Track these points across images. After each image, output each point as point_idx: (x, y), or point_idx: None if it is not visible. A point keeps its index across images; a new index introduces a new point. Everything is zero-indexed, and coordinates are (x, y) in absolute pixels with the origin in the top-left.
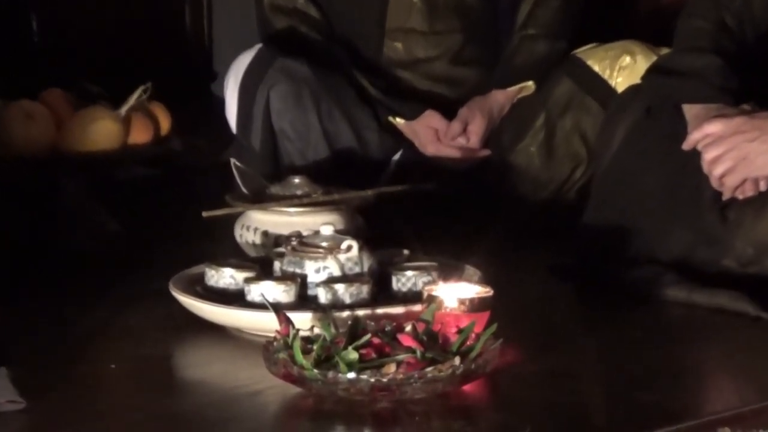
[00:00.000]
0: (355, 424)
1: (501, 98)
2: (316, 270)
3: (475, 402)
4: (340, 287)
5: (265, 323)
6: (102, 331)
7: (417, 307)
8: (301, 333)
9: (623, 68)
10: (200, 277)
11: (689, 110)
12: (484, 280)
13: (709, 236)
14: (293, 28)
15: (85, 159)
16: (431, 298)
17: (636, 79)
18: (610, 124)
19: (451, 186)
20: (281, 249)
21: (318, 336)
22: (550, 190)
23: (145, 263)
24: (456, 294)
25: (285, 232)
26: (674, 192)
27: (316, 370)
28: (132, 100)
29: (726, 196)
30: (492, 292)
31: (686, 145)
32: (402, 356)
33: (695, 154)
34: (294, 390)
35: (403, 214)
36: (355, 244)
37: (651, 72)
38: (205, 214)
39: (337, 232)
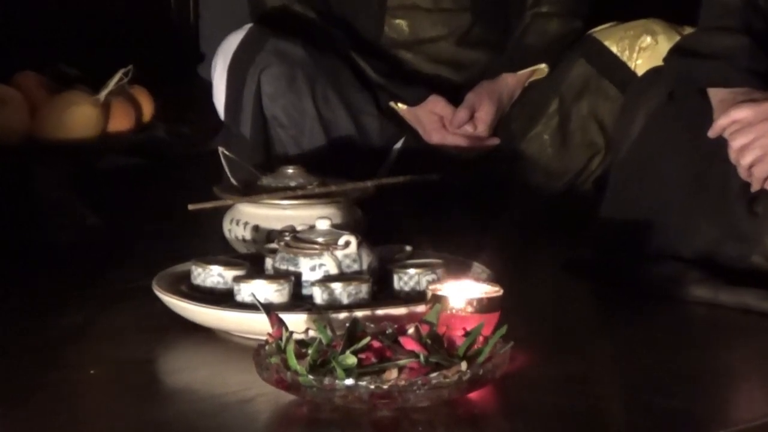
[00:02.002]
0: None
1: (511, 82)
2: (311, 268)
3: (483, 410)
4: (337, 286)
5: (256, 325)
6: (80, 333)
7: (420, 308)
8: (295, 336)
9: (644, 49)
10: (186, 276)
11: (715, 95)
12: (493, 279)
13: (736, 231)
14: (286, 6)
15: (61, 147)
16: (436, 298)
17: (657, 61)
18: (630, 109)
19: (457, 177)
20: (273, 245)
21: (313, 339)
22: (564, 181)
23: (127, 260)
24: (463, 293)
25: (277, 226)
26: (699, 183)
27: (311, 376)
28: (112, 83)
29: (755, 188)
30: (502, 291)
31: (712, 133)
32: (404, 361)
33: (721, 142)
34: (287, 397)
35: (405, 207)
36: (353, 240)
37: (674, 53)
38: (191, 207)
39: (334, 226)
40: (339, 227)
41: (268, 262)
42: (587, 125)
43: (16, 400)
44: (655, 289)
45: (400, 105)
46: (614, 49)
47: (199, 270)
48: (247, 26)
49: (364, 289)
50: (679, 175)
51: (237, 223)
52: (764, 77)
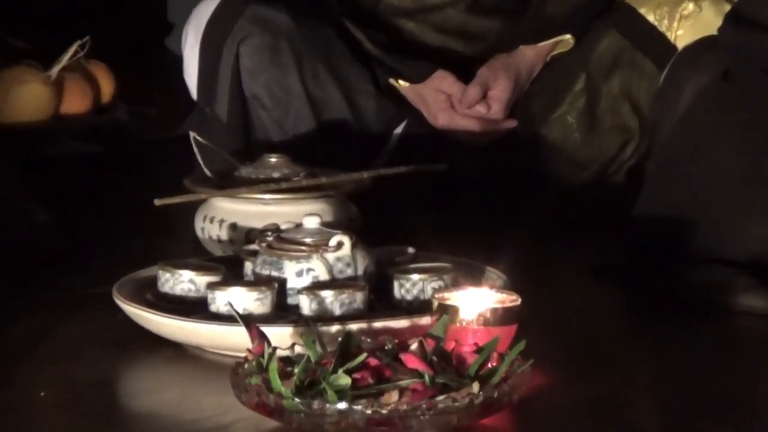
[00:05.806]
0: None
1: (530, 56)
2: (297, 273)
3: None
4: (327, 294)
5: (234, 340)
6: (29, 348)
7: (425, 320)
8: (279, 352)
9: (685, 18)
10: (152, 282)
11: None
12: (510, 286)
13: None
14: None
15: (7, 132)
16: (443, 309)
17: (701, 31)
18: (675, 85)
19: (467, 166)
20: (254, 246)
21: (300, 356)
22: (592, 170)
23: (83, 263)
24: (474, 303)
25: (258, 225)
26: (754, 174)
27: (297, 399)
28: (66, 58)
29: None
30: (519, 300)
31: None
32: (406, 382)
33: None
34: (269, 424)
35: (407, 202)
36: (346, 240)
37: (729, 22)
38: (157, 202)
39: (324, 224)
40: (330, 226)
41: (248, 267)
42: (619, 106)
43: None
44: (699, 297)
45: (401, 82)
46: (651, 17)
47: (167, 275)
48: None
49: (359, 298)
50: (730, 165)
51: (211, 221)
52: None
